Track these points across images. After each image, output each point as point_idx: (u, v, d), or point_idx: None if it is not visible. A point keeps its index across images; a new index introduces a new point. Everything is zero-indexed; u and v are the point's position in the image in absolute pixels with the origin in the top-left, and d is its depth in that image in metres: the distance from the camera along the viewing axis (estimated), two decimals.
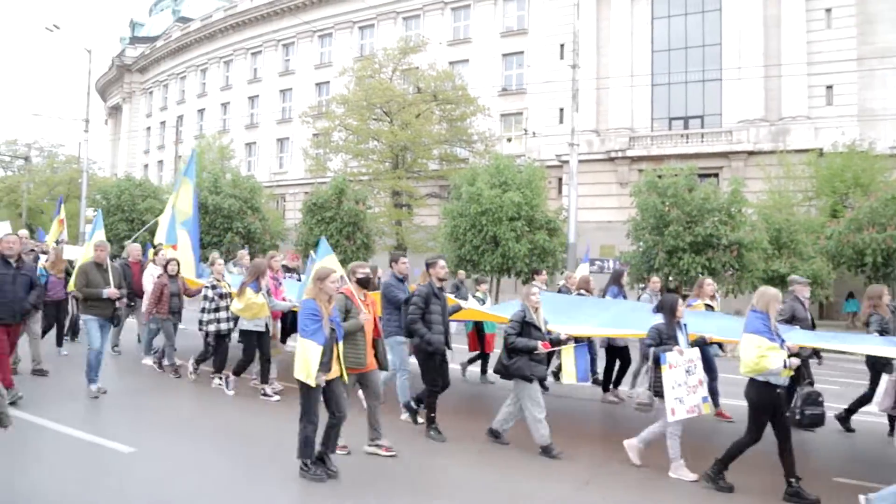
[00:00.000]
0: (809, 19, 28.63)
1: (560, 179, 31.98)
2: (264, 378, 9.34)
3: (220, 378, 9.58)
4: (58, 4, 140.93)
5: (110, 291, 8.98)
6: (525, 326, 7.04)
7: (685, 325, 6.85)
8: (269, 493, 5.74)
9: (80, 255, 13.69)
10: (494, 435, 7.31)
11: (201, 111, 54.15)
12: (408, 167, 32.36)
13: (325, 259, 7.00)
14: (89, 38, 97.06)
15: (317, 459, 5.96)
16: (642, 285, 23.45)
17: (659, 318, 6.80)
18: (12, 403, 7.11)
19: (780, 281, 20.02)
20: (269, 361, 9.37)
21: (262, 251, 26.71)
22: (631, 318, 8.16)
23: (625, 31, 32.04)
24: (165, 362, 10.71)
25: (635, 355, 9.55)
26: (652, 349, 6.53)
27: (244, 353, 9.29)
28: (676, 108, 31.78)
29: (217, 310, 9.61)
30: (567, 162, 25.19)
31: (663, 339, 6.55)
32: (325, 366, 5.76)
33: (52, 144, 60.47)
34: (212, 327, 9.63)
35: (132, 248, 13.09)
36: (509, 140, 36.32)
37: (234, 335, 10.00)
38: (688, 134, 30.49)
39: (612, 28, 32.26)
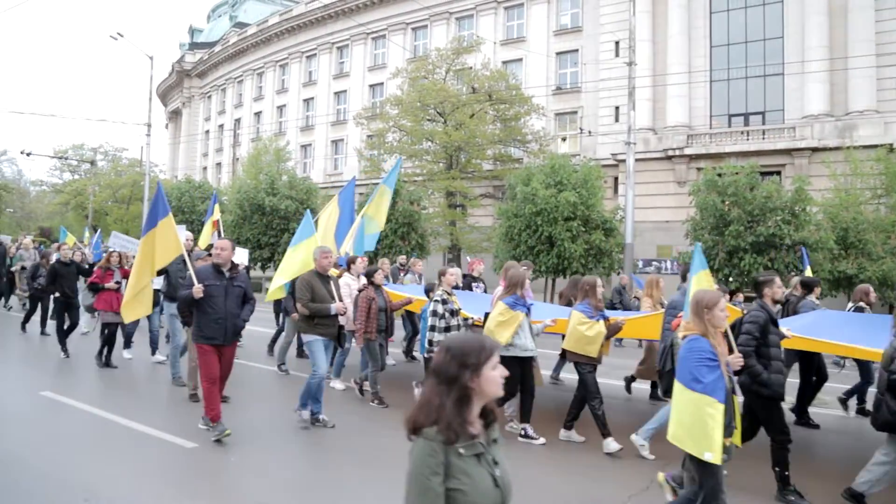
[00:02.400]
0: (878, 8, 27.49)
1: (616, 179, 31.55)
2: (525, 416, 7.60)
3: None
4: (121, 13, 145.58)
5: (338, 306, 7.77)
6: None
7: None
8: None
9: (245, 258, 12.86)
10: (857, 499, 5.71)
11: (258, 114, 55.19)
12: (462, 168, 32.34)
13: (701, 275, 5.47)
14: (151, 45, 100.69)
15: None
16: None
17: None
18: (217, 441, 6.93)
19: (846, 282, 19.39)
20: (533, 395, 7.65)
21: None
22: None
23: (682, 27, 31.40)
24: (367, 388, 9.40)
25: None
26: None
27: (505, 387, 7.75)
28: (736, 105, 30.99)
29: (448, 329, 8.01)
30: (623, 161, 24.84)
31: None
32: (727, 429, 4.31)
33: (115, 148, 62.86)
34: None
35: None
36: (564, 139, 36.01)
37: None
38: (748, 131, 29.70)
39: (668, 24, 31.63)
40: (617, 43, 32.31)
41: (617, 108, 32.02)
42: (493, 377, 2.39)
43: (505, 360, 6.28)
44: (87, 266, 13.07)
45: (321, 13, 48.36)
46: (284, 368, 11.26)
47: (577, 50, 36.09)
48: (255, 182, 33.32)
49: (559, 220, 22.52)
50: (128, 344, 11.93)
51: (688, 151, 30.29)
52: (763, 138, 29.04)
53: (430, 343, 7.98)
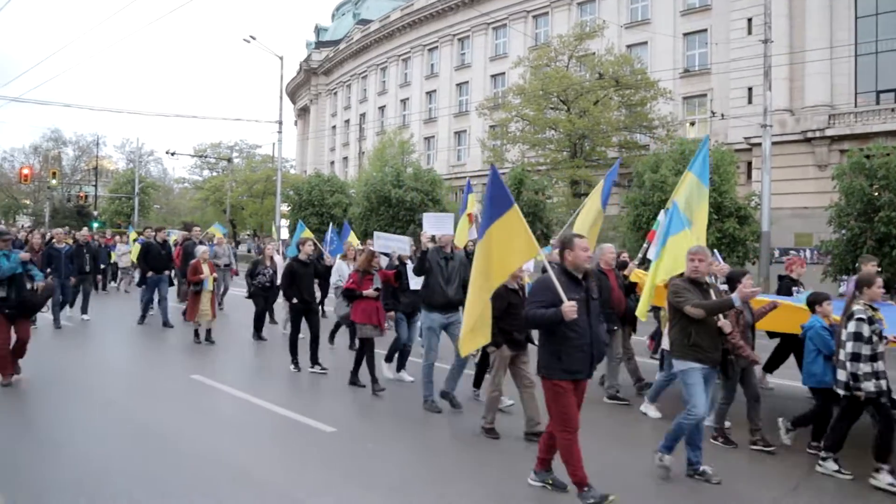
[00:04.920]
0: None
1: (749, 164, 30.13)
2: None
3: (834, 460, 6.22)
4: (253, 17, 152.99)
5: (724, 323, 5.99)
6: None
7: None
8: None
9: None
10: None
11: (382, 108, 56.60)
12: (586, 156, 31.92)
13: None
14: (280, 46, 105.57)
15: None
16: (844, 277, 21.67)
17: None
18: None
19: None
20: None
21: None
22: None
23: None
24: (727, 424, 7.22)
25: None
26: None
27: None
28: (886, 80, 28.67)
29: (874, 357, 5.98)
30: (757, 145, 23.73)
31: None
32: None
33: (249, 146, 65.80)
34: (870, 385, 5.89)
35: (607, 251, 9.13)
36: (692, 124, 34.75)
37: None
38: None
39: None
40: (749, 20, 30.73)
41: (750, 88, 30.50)
42: None
43: None
44: (324, 268, 11.46)
45: (441, 6, 48.89)
46: (621, 397, 8.80)
47: (705, 30, 34.65)
48: (381, 175, 34.23)
49: None
50: (402, 364, 10.05)
51: (829, 132, 28.46)
52: None
53: (856, 377, 5.97)
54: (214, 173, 64.71)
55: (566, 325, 5.16)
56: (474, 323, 5.88)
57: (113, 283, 23.15)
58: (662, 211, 9.35)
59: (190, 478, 5.83)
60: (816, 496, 5.82)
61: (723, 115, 31.66)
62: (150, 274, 14.70)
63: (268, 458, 6.44)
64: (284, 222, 41.74)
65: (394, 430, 7.53)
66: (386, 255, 9.87)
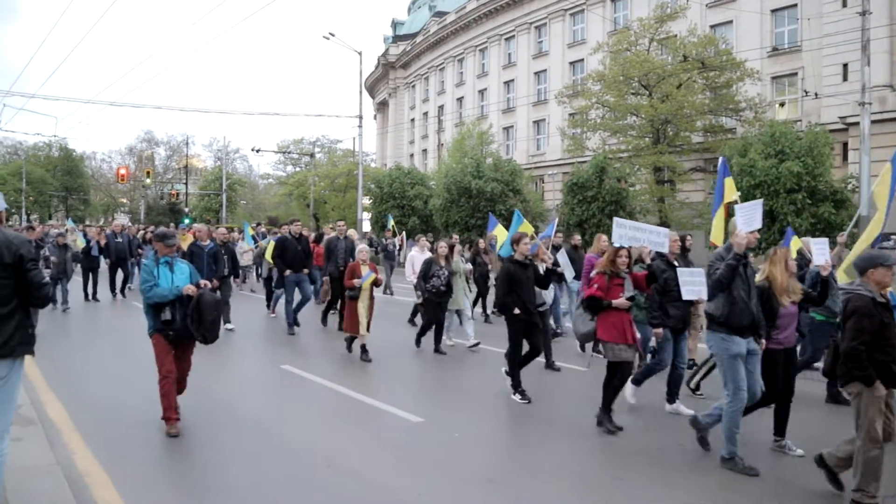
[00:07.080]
0: None
1: (845, 144, 28.69)
2: None
3: None
4: (330, 14, 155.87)
5: None
6: None
7: None
8: None
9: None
10: None
11: (460, 99, 56.64)
12: (670, 141, 31.03)
13: None
14: (358, 41, 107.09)
15: None
16: None
17: None
18: None
19: None
20: None
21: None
22: None
23: None
24: None
25: None
26: None
27: None
28: None
29: None
30: (855, 124, 22.56)
31: None
32: None
33: (331, 140, 67.14)
34: None
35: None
36: (782, 105, 33.31)
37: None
38: None
39: None
40: None
41: (845, 65, 28.99)
42: None
43: None
44: (545, 271, 8.76)
45: None
46: None
47: (795, 5, 33.05)
48: (461, 166, 34.31)
49: (781, 192, 21.02)
50: (673, 395, 7.87)
51: None
52: None
53: None
54: (298, 168, 66.30)
55: None
56: None
57: (235, 285, 22.25)
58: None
59: (284, 465, 5.99)
60: None
61: (816, 95, 30.19)
62: (287, 273, 13.06)
63: (358, 447, 6.58)
64: (366, 215, 42.33)
65: (480, 422, 7.58)
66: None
